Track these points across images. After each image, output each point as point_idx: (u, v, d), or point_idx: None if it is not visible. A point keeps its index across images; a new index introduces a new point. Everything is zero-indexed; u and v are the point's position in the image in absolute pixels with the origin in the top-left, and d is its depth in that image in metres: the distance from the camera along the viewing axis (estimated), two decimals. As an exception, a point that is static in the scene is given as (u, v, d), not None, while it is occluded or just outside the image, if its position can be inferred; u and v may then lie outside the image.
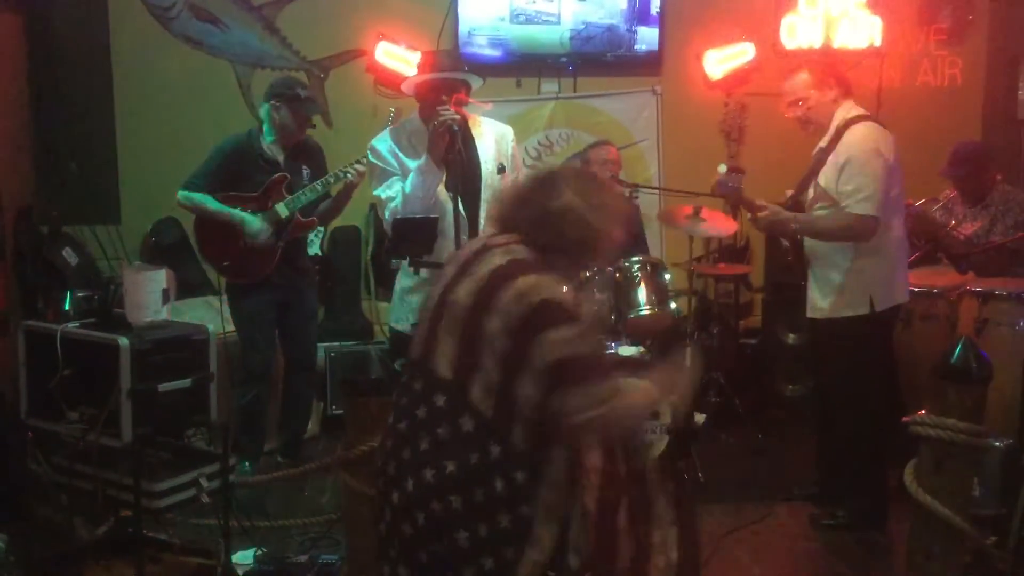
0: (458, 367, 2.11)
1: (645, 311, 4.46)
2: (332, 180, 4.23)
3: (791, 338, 5.38)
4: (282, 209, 4.22)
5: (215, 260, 4.32)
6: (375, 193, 3.55)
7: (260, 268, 4.25)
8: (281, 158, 4.30)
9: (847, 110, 3.77)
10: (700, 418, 4.80)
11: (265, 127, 4.30)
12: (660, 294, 4.51)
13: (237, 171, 4.24)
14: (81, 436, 3.13)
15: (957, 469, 2.52)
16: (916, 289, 4.31)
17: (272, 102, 4.23)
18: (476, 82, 3.52)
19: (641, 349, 4.40)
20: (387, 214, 3.45)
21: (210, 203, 4.20)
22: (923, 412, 2.54)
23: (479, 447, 2.06)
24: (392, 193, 3.44)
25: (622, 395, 2.13)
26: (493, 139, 3.49)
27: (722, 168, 3.85)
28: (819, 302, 3.81)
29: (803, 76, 3.79)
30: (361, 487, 2.92)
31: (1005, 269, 4.42)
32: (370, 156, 3.57)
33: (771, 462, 4.69)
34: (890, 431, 3.70)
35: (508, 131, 3.57)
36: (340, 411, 5.02)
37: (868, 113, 3.83)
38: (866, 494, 3.84)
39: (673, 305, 4.62)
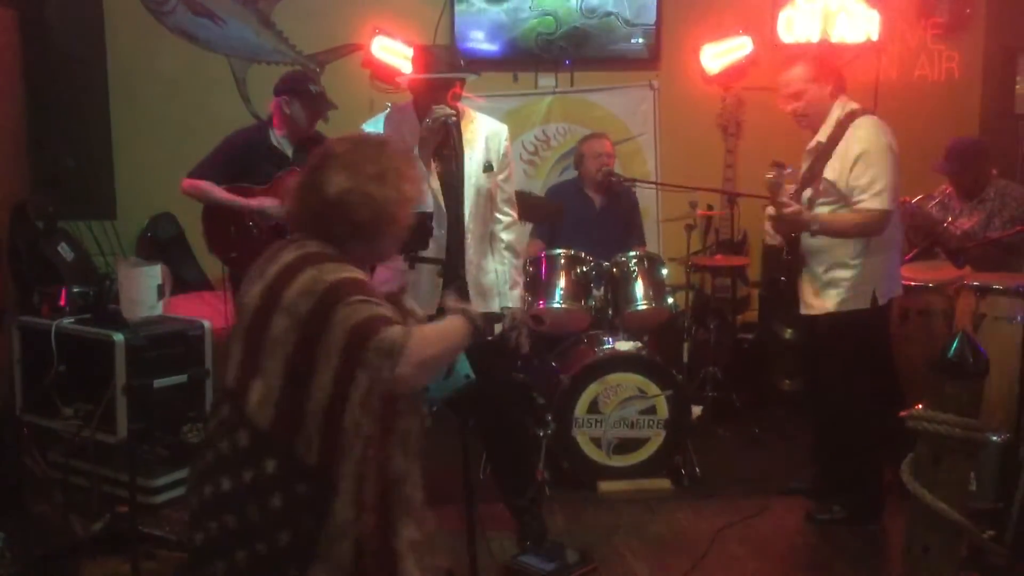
0: (239, 375, 2.03)
1: (642, 306, 4.48)
2: None
3: (788, 333, 5.37)
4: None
5: (222, 251, 4.30)
6: None
7: None
8: (290, 151, 4.29)
9: (844, 104, 3.76)
10: (697, 411, 4.82)
11: (275, 120, 4.28)
12: (657, 289, 4.51)
13: (246, 162, 4.22)
14: (77, 432, 3.13)
15: (954, 463, 2.51)
16: (913, 284, 4.32)
17: (284, 96, 4.22)
18: (472, 76, 3.50)
19: (639, 344, 4.42)
20: None
21: (217, 191, 4.18)
22: (920, 406, 2.54)
23: (254, 463, 1.97)
24: None
25: (409, 335, 2.00)
26: (483, 136, 3.43)
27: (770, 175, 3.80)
28: (818, 298, 3.78)
29: (801, 69, 3.77)
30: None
31: (1003, 263, 4.42)
32: None
33: (768, 456, 4.69)
34: (887, 425, 3.71)
35: (502, 129, 3.51)
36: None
37: (864, 108, 3.82)
38: (863, 488, 3.84)
39: (670, 300, 4.63)
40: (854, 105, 3.78)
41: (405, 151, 2.25)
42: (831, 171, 3.68)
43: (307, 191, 2.13)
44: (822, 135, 3.76)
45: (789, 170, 3.77)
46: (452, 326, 2.20)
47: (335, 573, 1.98)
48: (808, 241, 3.79)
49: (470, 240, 3.25)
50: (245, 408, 1.99)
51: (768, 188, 3.70)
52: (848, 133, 3.67)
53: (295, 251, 2.08)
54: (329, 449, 1.96)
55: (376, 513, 2.01)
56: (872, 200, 3.58)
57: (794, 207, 3.63)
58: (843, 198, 3.66)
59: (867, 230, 3.63)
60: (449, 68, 3.37)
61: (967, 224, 4.69)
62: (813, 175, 3.77)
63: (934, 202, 4.81)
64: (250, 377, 2.01)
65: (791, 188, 3.80)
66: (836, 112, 3.74)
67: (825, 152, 3.72)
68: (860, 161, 3.59)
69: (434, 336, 2.12)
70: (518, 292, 3.53)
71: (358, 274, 2.07)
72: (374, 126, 3.48)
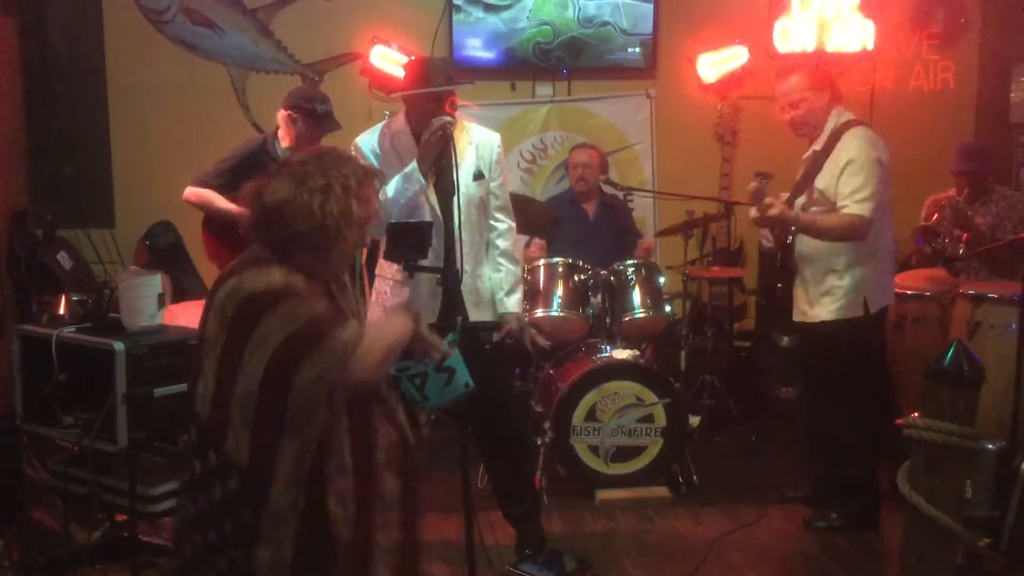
0: (192, 373, 2.16)
1: (640, 314, 4.49)
2: None
3: (785, 340, 5.39)
4: None
5: (223, 260, 4.30)
6: None
7: None
8: None
9: (839, 114, 3.80)
10: (695, 421, 4.83)
11: (280, 132, 4.30)
12: (654, 297, 4.53)
13: (249, 174, 4.21)
14: (77, 441, 3.13)
15: (950, 472, 2.53)
16: (908, 292, 4.35)
17: (291, 112, 4.24)
18: (467, 86, 3.52)
19: (636, 352, 4.43)
20: None
21: (219, 200, 4.19)
22: (916, 415, 2.55)
23: (202, 455, 2.11)
24: None
25: (359, 343, 2.06)
26: (474, 145, 3.43)
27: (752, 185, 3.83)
28: (811, 306, 3.81)
29: (800, 78, 3.79)
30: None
31: (1012, 266, 4.42)
32: (353, 154, 3.53)
33: (765, 464, 4.70)
34: (883, 433, 3.73)
35: (494, 137, 3.52)
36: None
37: (859, 119, 3.85)
38: (859, 496, 3.86)
39: (667, 308, 4.65)
40: (849, 115, 3.82)
41: (366, 170, 2.24)
42: (822, 180, 3.72)
43: (253, 197, 2.17)
44: (817, 144, 3.79)
45: (769, 178, 3.81)
46: (394, 320, 2.29)
47: (278, 555, 2.07)
48: (801, 248, 3.82)
49: (465, 249, 3.26)
50: (193, 404, 2.15)
51: (750, 198, 3.78)
52: (840, 142, 3.71)
53: (239, 256, 2.18)
54: (259, 443, 2.05)
55: (351, 507, 2.11)
56: (855, 206, 3.61)
57: (777, 207, 3.66)
58: (832, 207, 3.69)
59: (846, 235, 3.66)
60: (448, 81, 3.38)
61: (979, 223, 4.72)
62: (806, 183, 3.81)
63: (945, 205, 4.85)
64: (196, 375, 2.14)
65: (783, 196, 3.83)
66: (832, 122, 3.78)
67: (818, 161, 3.76)
68: (847, 169, 3.63)
69: (378, 331, 2.22)
70: (517, 298, 3.54)
71: (277, 279, 2.08)
72: (368, 139, 3.49)
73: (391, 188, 3.31)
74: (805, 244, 3.81)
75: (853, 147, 3.67)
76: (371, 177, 2.23)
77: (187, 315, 4.56)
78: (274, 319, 2.01)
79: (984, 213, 4.73)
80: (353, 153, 3.50)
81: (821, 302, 3.78)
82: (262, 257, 2.12)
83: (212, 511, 2.10)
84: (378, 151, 3.43)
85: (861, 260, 3.71)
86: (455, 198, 3.30)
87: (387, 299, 3.43)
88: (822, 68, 4.01)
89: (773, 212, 3.66)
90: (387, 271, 3.45)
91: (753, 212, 3.78)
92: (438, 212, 3.34)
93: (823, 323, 3.78)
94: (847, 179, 3.63)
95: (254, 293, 2.04)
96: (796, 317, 3.92)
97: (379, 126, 3.56)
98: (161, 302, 3.33)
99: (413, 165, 3.27)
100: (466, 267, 3.23)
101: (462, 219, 3.28)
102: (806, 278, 3.84)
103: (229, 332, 2.05)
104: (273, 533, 2.06)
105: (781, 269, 3.94)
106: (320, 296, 2.13)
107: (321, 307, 2.08)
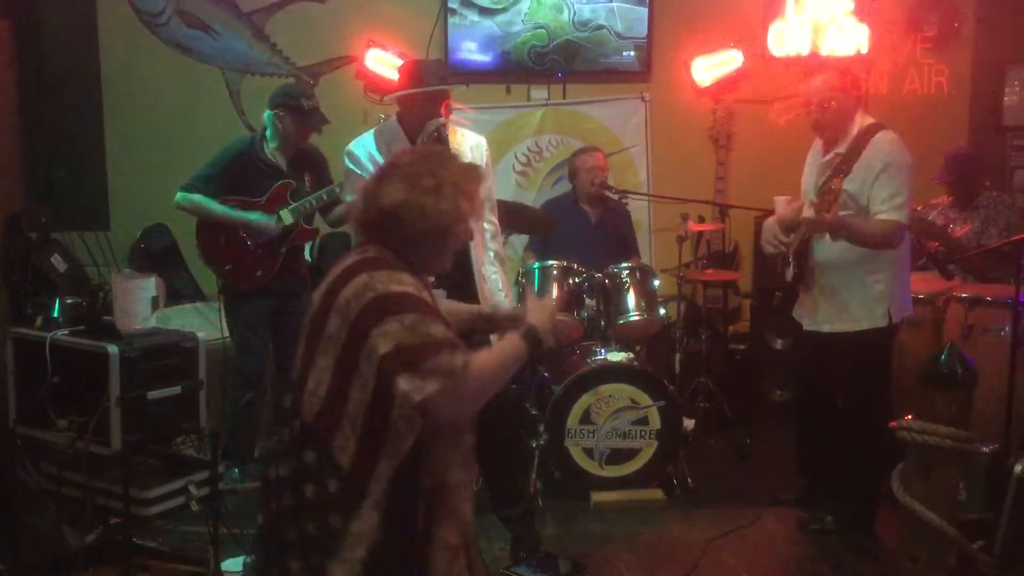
0: (300, 369, 2.14)
1: (634, 317, 4.49)
2: (338, 190, 4.21)
3: (779, 343, 5.41)
4: (287, 216, 4.23)
5: (217, 264, 4.31)
6: (346, 199, 3.51)
7: (262, 273, 4.25)
8: (284, 164, 4.31)
9: (862, 116, 3.75)
10: (689, 423, 4.83)
11: (268, 133, 4.30)
12: (649, 300, 4.53)
13: (239, 176, 4.24)
14: (70, 444, 3.12)
15: (944, 474, 2.54)
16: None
17: (277, 110, 4.24)
18: (459, 87, 3.54)
19: (630, 354, 4.43)
20: None
21: (211, 205, 4.19)
22: (910, 417, 2.56)
23: (298, 452, 2.08)
24: None
25: (467, 365, 2.03)
26: (469, 147, 3.49)
27: (778, 202, 3.80)
28: (830, 316, 3.76)
29: (829, 78, 3.72)
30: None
31: (997, 271, 4.44)
32: (347, 161, 3.52)
33: (760, 467, 4.71)
34: (881, 436, 3.73)
35: (483, 141, 3.57)
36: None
37: (881, 122, 3.78)
38: (855, 499, 3.85)
39: (662, 311, 4.65)
40: (871, 119, 3.77)
41: (468, 167, 2.28)
42: (852, 183, 3.63)
43: (368, 200, 2.18)
44: (841, 147, 3.71)
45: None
46: (508, 348, 2.23)
47: (350, 574, 2.03)
48: (825, 256, 3.75)
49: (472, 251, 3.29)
50: (300, 400, 2.09)
51: (783, 215, 3.74)
52: (871, 146, 3.63)
53: (356, 255, 2.16)
54: (363, 453, 2.02)
55: (414, 519, 2.07)
56: (892, 212, 3.56)
57: (832, 211, 3.53)
58: (862, 210, 3.64)
59: (886, 241, 3.61)
60: (442, 82, 3.39)
61: (960, 232, 4.74)
62: (832, 187, 3.66)
63: (935, 212, 4.87)
64: (307, 372, 2.10)
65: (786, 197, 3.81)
66: (856, 124, 3.71)
67: (845, 164, 3.66)
68: (885, 173, 3.57)
69: (490, 362, 2.16)
70: (507, 301, 3.57)
71: (411, 287, 2.09)
72: (362, 145, 3.49)
73: None
74: (829, 251, 3.71)
75: (890, 151, 3.61)
76: (475, 173, 2.26)
77: (182, 318, 4.57)
78: (395, 323, 2.00)
79: (971, 219, 4.74)
80: (346, 159, 3.52)
81: (844, 313, 3.73)
82: (385, 258, 2.14)
83: (299, 510, 2.06)
84: (375, 155, 3.44)
85: (887, 268, 3.68)
86: None
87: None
88: (851, 70, 3.92)
89: (827, 216, 3.53)
90: None
91: (771, 219, 3.74)
92: None
93: (847, 334, 3.72)
94: (883, 184, 3.57)
95: (386, 294, 2.04)
96: (808, 327, 3.86)
97: (372, 131, 3.57)
98: (155, 305, 3.32)
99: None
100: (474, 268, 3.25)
101: None
102: (824, 287, 3.78)
103: (351, 330, 2.03)
104: (350, 552, 2.02)
105: (790, 283, 3.88)
106: (438, 314, 2.13)
107: (440, 328, 2.06)
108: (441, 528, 2.11)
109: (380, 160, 3.42)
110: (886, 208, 3.58)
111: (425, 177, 2.14)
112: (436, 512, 2.10)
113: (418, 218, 2.12)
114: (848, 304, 3.73)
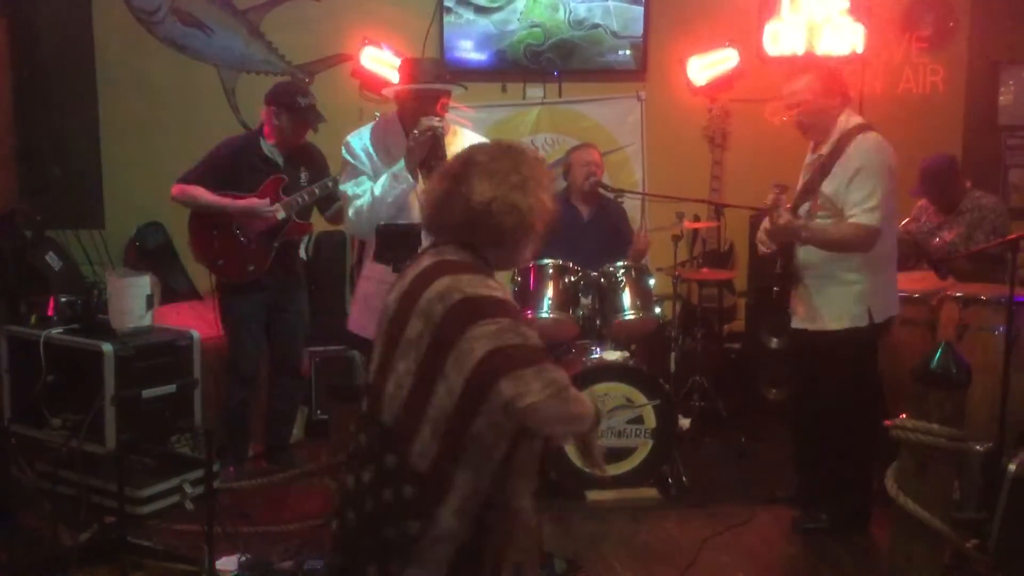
0: (377, 371, 2.11)
1: (630, 315, 4.49)
2: (331, 184, 4.21)
3: (774, 342, 5.41)
4: (279, 211, 4.22)
5: (208, 258, 4.30)
6: (341, 188, 3.50)
7: (254, 268, 4.25)
8: (281, 160, 4.31)
9: (848, 118, 3.74)
10: (684, 422, 4.84)
11: (266, 129, 4.30)
12: (644, 298, 4.53)
13: (235, 170, 4.23)
14: (65, 442, 3.12)
15: (938, 473, 2.54)
16: (897, 294, 4.36)
17: (272, 107, 4.23)
18: (458, 89, 3.53)
19: (626, 353, 4.43)
20: (351, 212, 3.40)
21: (205, 195, 4.18)
22: (904, 416, 2.56)
23: (378, 457, 2.04)
24: (360, 191, 3.39)
25: (568, 386, 1.99)
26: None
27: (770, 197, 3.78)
28: (812, 315, 3.78)
29: (810, 79, 3.72)
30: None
31: (985, 275, 4.46)
32: (344, 152, 3.52)
33: (754, 465, 4.71)
34: (873, 435, 3.73)
35: (484, 141, 3.57)
36: (325, 416, 5.02)
37: (868, 123, 3.79)
38: (848, 498, 3.86)
39: (657, 310, 4.65)
40: (858, 119, 3.76)
41: (540, 160, 2.26)
42: (829, 185, 3.65)
43: (452, 199, 2.13)
44: (824, 149, 3.72)
45: (786, 190, 3.76)
46: (591, 407, 2.15)
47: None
48: (803, 256, 3.77)
49: None
50: (379, 403, 2.06)
51: (768, 211, 3.71)
52: (850, 148, 3.64)
53: (433, 257, 2.13)
54: (444, 457, 1.98)
55: (486, 535, 2.05)
56: (863, 216, 3.57)
57: (784, 217, 3.63)
58: (839, 213, 3.64)
59: (854, 246, 3.62)
60: (437, 80, 3.39)
61: (948, 237, 4.76)
62: (811, 188, 3.73)
63: (920, 223, 4.89)
64: (385, 376, 2.07)
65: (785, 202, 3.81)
66: (840, 126, 3.71)
67: (825, 166, 3.68)
68: (859, 175, 3.57)
69: (584, 399, 2.09)
70: None
71: (499, 291, 2.07)
72: (359, 137, 3.50)
73: (378, 187, 3.32)
74: (806, 251, 3.75)
75: (865, 153, 3.61)
76: (546, 167, 2.25)
77: (177, 316, 4.56)
78: (490, 325, 1.96)
79: (953, 225, 4.75)
80: (343, 150, 3.52)
81: (824, 312, 3.74)
82: (464, 260, 2.10)
83: (379, 516, 2.03)
84: (370, 149, 3.44)
85: (867, 269, 3.67)
86: None
87: (374, 301, 3.43)
88: (835, 71, 3.92)
89: (780, 222, 3.61)
90: (374, 273, 3.44)
91: (765, 224, 3.76)
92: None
93: (824, 332, 3.74)
94: (857, 187, 3.57)
95: (474, 297, 2.00)
96: (795, 324, 3.88)
97: (370, 125, 3.57)
98: (150, 303, 3.32)
99: (401, 164, 3.29)
100: None
101: None
102: (807, 286, 3.79)
103: (436, 334, 1.99)
104: (430, 554, 2.00)
105: (780, 275, 3.89)
106: (528, 322, 2.11)
107: (537, 337, 2.03)
108: (508, 549, 2.09)
109: (374, 154, 3.43)
110: (858, 211, 3.57)
111: (511, 174, 2.12)
112: (503, 534, 2.08)
113: (508, 214, 2.08)
114: (827, 303, 3.74)
